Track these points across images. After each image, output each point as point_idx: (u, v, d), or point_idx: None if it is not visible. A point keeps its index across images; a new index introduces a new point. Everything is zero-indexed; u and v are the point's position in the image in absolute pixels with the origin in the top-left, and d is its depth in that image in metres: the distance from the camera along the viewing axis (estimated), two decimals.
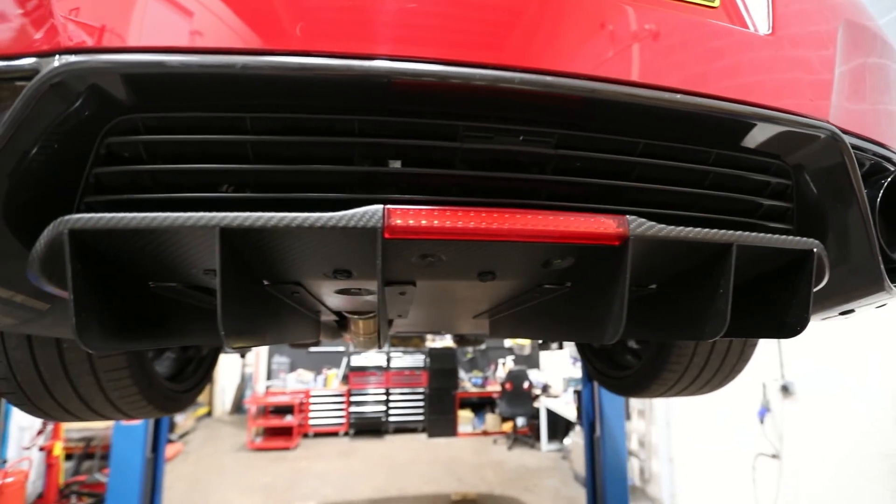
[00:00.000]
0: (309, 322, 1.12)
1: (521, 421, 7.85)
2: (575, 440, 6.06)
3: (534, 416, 7.70)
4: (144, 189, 0.55)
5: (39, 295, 0.61)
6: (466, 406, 8.76)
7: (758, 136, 0.64)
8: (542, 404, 7.47)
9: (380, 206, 0.48)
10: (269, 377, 8.90)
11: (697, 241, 0.57)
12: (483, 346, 9.84)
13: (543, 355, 9.84)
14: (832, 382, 3.42)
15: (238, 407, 9.46)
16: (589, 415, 3.96)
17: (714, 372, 1.58)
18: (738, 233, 0.60)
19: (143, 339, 0.65)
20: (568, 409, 6.56)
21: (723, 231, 0.59)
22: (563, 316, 0.75)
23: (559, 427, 7.20)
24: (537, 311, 0.88)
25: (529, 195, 0.59)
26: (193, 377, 1.73)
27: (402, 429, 8.51)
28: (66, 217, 0.47)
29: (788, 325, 0.68)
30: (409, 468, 6.34)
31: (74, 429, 5.52)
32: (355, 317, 1.26)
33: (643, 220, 0.55)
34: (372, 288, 0.72)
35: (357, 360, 8.79)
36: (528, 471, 6.24)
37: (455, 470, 6.26)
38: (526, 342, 10.36)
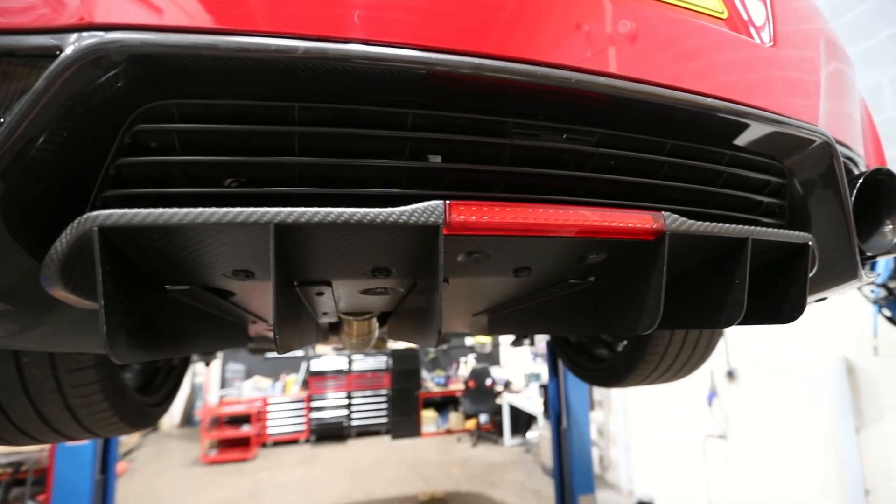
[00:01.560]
0: (314, 325, 1.08)
1: (483, 418, 7.96)
2: (538, 433, 6.24)
3: (496, 412, 7.84)
4: (171, 183, 0.51)
5: (30, 304, 0.55)
6: (430, 406, 8.76)
7: (764, 139, 0.69)
8: (505, 400, 7.62)
9: (440, 202, 0.48)
10: (222, 386, 8.44)
11: (720, 236, 0.61)
12: (445, 346, 9.90)
13: (504, 352, 10.03)
14: (769, 367, 3.74)
15: (188, 419, 8.91)
16: (555, 407, 4.09)
17: (686, 360, 1.68)
18: (753, 227, 0.64)
19: (165, 347, 0.60)
20: (530, 404, 6.74)
21: (741, 226, 0.63)
22: (584, 310, 0.77)
23: (521, 422, 7.37)
24: (548, 307, 0.90)
25: (566, 193, 0.61)
26: (164, 388, 1.62)
27: (366, 432, 8.38)
28: (95, 213, 0.43)
29: (785, 312, 0.74)
30: (374, 472, 6.25)
31: (1, 453, 4.97)
32: (350, 318, 1.23)
33: (676, 216, 0.58)
34: (400, 288, 0.71)
35: (317, 365, 8.55)
36: (493, 466, 6.34)
37: (421, 470, 6.25)
38: (487, 340, 10.53)
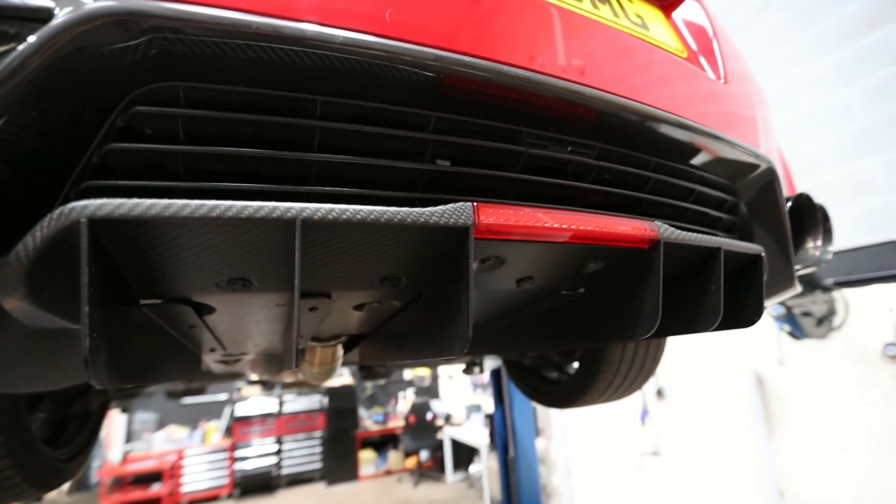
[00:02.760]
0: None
1: (424, 455, 7.70)
2: (481, 466, 6.14)
3: (438, 447, 7.63)
4: (163, 177, 0.45)
5: None
6: (368, 446, 8.32)
7: (722, 161, 0.78)
8: (446, 434, 7.46)
9: (468, 203, 0.48)
10: (128, 439, 7.36)
11: (699, 246, 0.67)
12: (383, 381, 9.57)
13: (444, 385, 9.91)
14: (693, 383, 4.06)
15: (81, 483, 7.61)
16: (501, 436, 4.09)
17: (636, 376, 1.78)
18: (723, 239, 0.71)
19: (138, 373, 0.52)
20: (472, 437, 6.65)
21: (715, 237, 0.70)
22: (574, 322, 0.79)
23: (463, 456, 7.23)
24: (535, 322, 0.91)
25: (568, 203, 0.63)
26: (77, 440, 1.37)
27: (298, 480, 7.71)
28: (83, 202, 0.36)
29: (747, 316, 0.82)
30: None
31: None
32: (315, 344, 1.15)
33: (667, 225, 0.63)
34: (396, 301, 0.68)
35: (243, 409, 7.81)
36: None
37: None
38: (426, 373, 10.35)
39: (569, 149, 0.60)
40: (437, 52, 0.46)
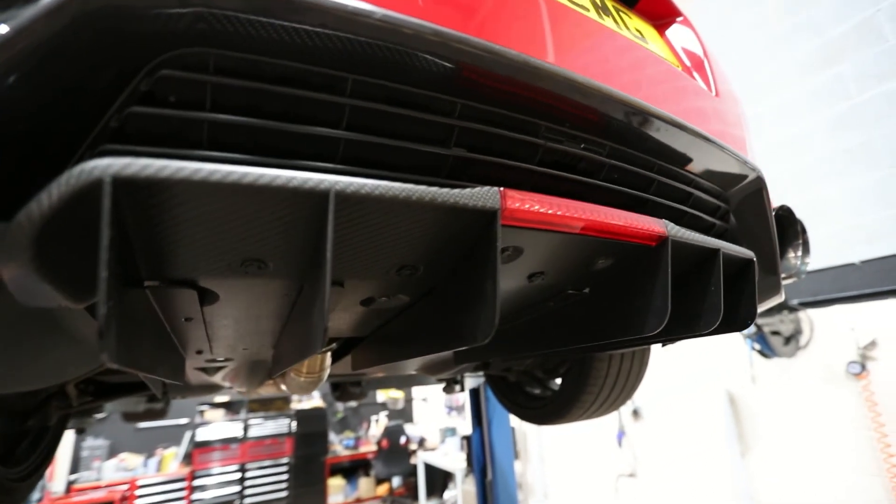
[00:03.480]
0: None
1: (397, 481, 7.45)
2: (456, 492, 5.98)
3: (411, 473, 7.40)
4: (185, 145, 0.44)
5: None
6: (337, 472, 7.98)
7: (717, 167, 0.82)
8: (420, 459, 7.25)
9: (494, 188, 0.48)
10: (74, 468, 6.80)
11: (701, 246, 0.69)
12: (356, 403, 9.27)
13: (418, 408, 9.70)
14: (668, 404, 4.12)
15: None
16: (479, 460, 3.99)
17: (621, 390, 1.79)
18: (721, 241, 0.74)
19: (144, 361, 0.48)
20: (447, 461, 6.49)
21: (714, 239, 0.72)
22: (577, 323, 0.80)
23: (437, 482, 7.03)
24: (533, 325, 0.91)
25: (581, 198, 0.64)
26: (31, 458, 1.26)
27: None
28: (106, 161, 0.34)
29: (741, 319, 0.84)
30: None
31: None
32: None
33: (673, 224, 0.65)
34: (405, 296, 0.67)
35: (204, 434, 7.38)
36: None
37: None
38: (400, 396, 10.12)
39: (581, 146, 0.62)
40: (470, 38, 0.47)
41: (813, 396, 2.97)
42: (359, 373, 1.72)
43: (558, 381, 2.07)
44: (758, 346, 3.05)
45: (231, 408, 7.86)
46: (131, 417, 3.29)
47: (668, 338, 0.84)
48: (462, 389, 3.06)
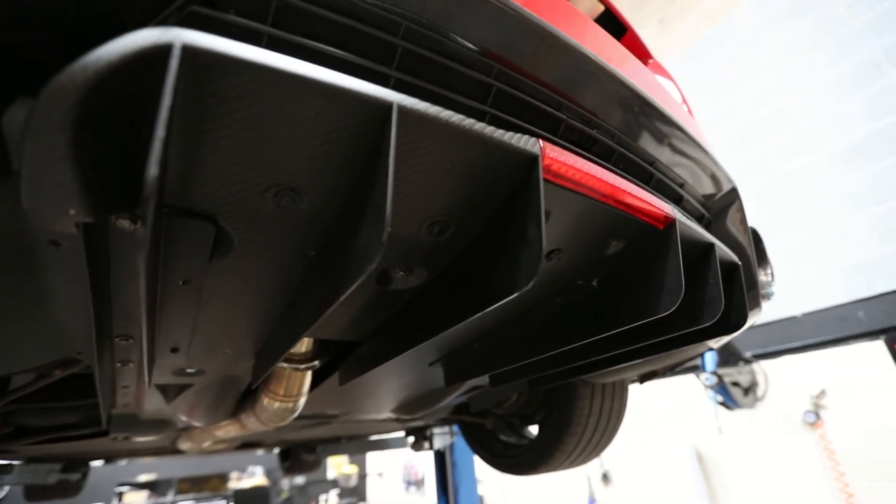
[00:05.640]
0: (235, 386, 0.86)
1: None
2: None
3: None
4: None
5: None
6: None
7: (702, 174, 0.89)
8: None
9: (534, 138, 0.49)
10: None
11: (698, 237, 0.73)
12: (303, 481, 8.36)
13: (372, 484, 8.89)
14: (637, 466, 4.03)
15: None
16: None
17: (604, 431, 1.74)
18: (715, 238, 0.79)
19: None
20: None
21: (708, 233, 0.77)
22: (585, 316, 0.79)
23: None
24: (540, 329, 0.89)
25: None
26: None
27: None
28: (178, 29, 0.31)
29: (733, 322, 0.87)
30: None
31: None
32: (284, 365, 1.02)
33: (678, 210, 0.69)
34: (425, 271, 0.65)
35: None
36: None
37: None
38: (353, 471, 9.26)
39: (594, 130, 0.66)
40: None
41: (776, 447, 3.02)
42: (329, 414, 1.58)
43: (534, 429, 1.99)
44: (720, 398, 3.11)
45: (157, 489, 6.87)
46: (36, 495, 2.78)
47: (670, 337, 0.85)
48: (431, 447, 2.86)
